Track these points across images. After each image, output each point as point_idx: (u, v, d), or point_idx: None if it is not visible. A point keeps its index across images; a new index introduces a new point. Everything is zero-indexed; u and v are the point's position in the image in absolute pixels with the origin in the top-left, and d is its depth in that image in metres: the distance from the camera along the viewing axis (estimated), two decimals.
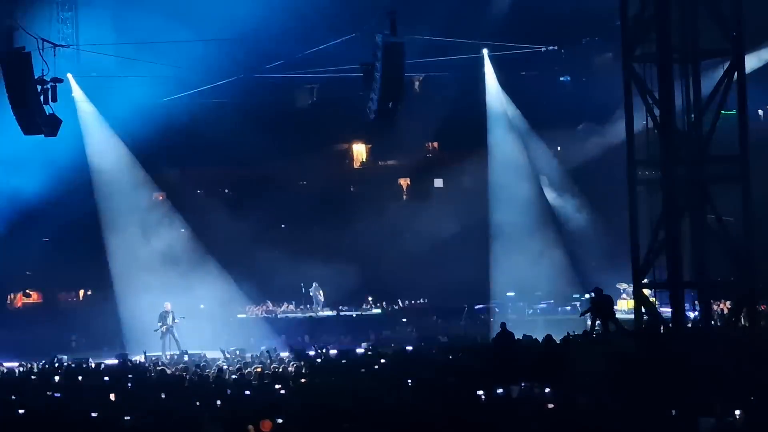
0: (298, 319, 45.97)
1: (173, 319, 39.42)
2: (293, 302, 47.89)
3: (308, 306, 47.74)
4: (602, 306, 31.58)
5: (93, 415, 20.34)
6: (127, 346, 38.98)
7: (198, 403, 21.83)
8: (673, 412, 17.91)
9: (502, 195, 46.83)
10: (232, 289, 46.20)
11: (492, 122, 47.27)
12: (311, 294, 47.66)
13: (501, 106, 47.33)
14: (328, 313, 46.87)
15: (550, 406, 19.37)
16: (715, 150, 29.43)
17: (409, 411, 18.60)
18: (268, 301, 47.51)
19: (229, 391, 23.70)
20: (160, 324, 39.36)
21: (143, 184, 47.06)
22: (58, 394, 24.36)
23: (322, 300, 47.56)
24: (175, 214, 48.64)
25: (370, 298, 48.46)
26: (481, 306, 45.32)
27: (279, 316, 46.61)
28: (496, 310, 44.40)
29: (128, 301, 43.58)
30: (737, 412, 17.49)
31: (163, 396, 23.29)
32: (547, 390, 20.74)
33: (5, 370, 32.89)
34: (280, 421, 18.03)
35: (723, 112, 29.43)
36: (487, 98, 47.06)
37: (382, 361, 29.24)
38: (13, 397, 23.67)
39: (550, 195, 48.15)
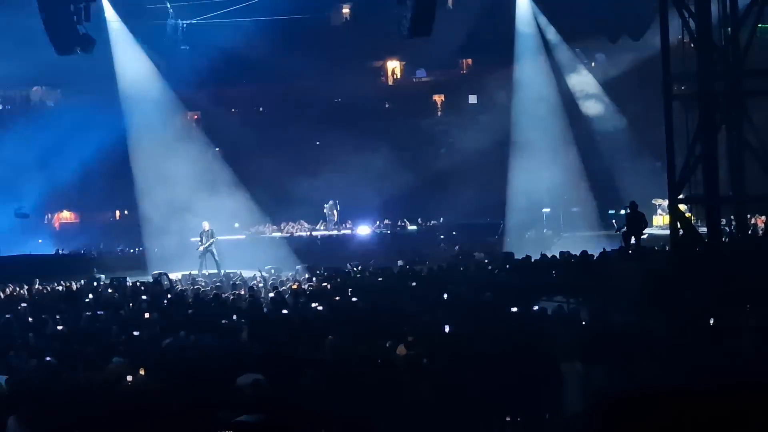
0: (334, 237, 46.14)
1: (211, 237, 39.46)
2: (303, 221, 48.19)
3: (321, 224, 47.86)
4: (634, 222, 31.70)
5: (135, 333, 20.57)
6: (158, 266, 39.09)
7: (235, 317, 22.03)
8: (711, 321, 17.93)
9: (530, 111, 46.65)
10: (263, 208, 46.42)
11: (520, 35, 46.89)
12: (326, 212, 47.71)
13: (530, 20, 46.84)
14: (343, 232, 46.96)
15: (586, 322, 19.46)
16: (752, 64, 29.01)
17: (444, 327, 18.70)
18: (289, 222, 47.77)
19: (266, 309, 23.87)
20: (199, 242, 39.51)
21: (175, 105, 47.10)
22: (101, 312, 24.62)
23: (335, 219, 47.65)
24: (208, 134, 48.82)
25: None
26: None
27: (314, 234, 46.80)
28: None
29: (158, 222, 43.78)
30: None
31: (200, 314, 23.47)
32: (582, 306, 20.80)
33: (46, 289, 33.22)
34: (330, 337, 18.19)
35: (760, 25, 29.03)
36: (517, 12, 46.59)
37: (419, 277, 29.37)
38: (58, 317, 23.94)
39: (585, 109, 47.82)
